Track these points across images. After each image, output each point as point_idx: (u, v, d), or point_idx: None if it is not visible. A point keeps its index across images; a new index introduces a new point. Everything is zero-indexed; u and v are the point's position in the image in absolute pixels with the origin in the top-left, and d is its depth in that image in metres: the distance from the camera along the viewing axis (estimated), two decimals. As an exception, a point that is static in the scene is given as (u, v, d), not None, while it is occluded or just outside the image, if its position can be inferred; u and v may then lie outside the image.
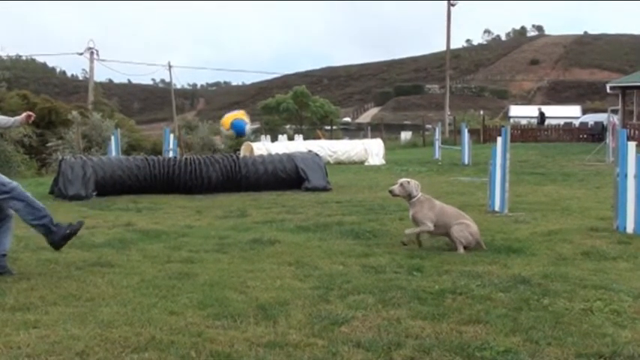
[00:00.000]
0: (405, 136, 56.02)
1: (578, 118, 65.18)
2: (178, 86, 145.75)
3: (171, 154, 23.65)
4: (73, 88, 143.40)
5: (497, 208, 13.77)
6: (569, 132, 50.16)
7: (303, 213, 13.82)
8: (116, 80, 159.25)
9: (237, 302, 6.91)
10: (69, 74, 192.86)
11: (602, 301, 6.95)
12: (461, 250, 9.69)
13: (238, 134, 11.31)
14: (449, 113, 57.57)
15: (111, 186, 17.59)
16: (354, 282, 7.72)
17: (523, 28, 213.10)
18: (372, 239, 10.62)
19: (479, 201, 15.28)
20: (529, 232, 11.12)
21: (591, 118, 52.85)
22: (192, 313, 6.55)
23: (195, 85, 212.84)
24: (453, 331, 6.04)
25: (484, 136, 47.81)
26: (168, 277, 7.97)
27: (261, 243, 10.20)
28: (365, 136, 52.20)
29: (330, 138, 49.10)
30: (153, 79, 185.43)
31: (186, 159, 19.06)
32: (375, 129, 59.93)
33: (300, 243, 10.27)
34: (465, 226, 9.86)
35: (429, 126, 57.13)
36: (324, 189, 18.54)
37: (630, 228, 11.06)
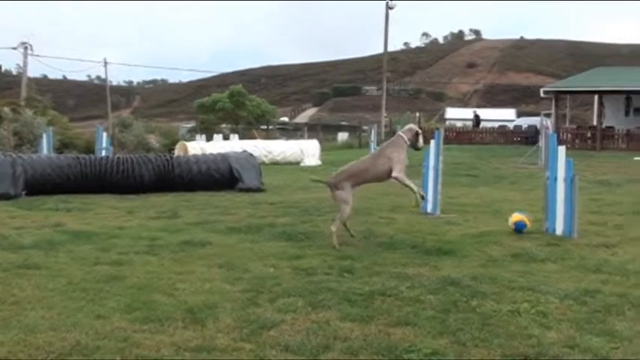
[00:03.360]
0: (342, 137, 56.16)
1: (513, 121, 65.94)
2: (114, 83, 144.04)
3: (104, 153, 23.33)
4: (5, 83, 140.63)
5: (429, 210, 13.86)
6: (503, 135, 50.64)
7: (235, 214, 13.74)
8: (51, 76, 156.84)
9: (166, 305, 6.84)
10: (2, 69, 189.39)
11: (529, 302, 7.03)
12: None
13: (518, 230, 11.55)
14: (385, 115, 57.86)
15: (41, 185, 17.22)
16: (285, 285, 7.70)
17: (461, 32, 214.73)
18: (304, 241, 10.59)
19: (412, 202, 15.31)
20: (460, 234, 11.20)
21: (525, 122, 53.51)
22: (119, 317, 6.48)
23: (131, 82, 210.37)
24: (382, 333, 6.06)
25: (420, 137, 47.97)
26: (96, 280, 7.86)
27: (192, 245, 10.12)
28: (302, 137, 52.26)
29: (267, 138, 49.00)
30: (88, 76, 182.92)
31: (118, 158, 18.81)
32: (312, 129, 60.05)
33: (231, 245, 10.21)
34: None
35: (365, 127, 57.29)
36: (258, 190, 18.45)
37: (559, 230, 11.23)
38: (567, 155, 11.45)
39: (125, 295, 7.21)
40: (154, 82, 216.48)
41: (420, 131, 10.80)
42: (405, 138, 10.64)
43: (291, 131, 66.99)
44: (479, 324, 6.33)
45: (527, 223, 11.49)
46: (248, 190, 18.25)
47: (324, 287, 7.55)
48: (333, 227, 10.10)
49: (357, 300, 7.08)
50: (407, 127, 11.01)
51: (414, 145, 10.83)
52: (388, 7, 56.01)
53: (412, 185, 10.43)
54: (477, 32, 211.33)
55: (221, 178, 18.96)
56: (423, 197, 10.47)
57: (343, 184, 10.29)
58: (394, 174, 10.34)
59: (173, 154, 27.20)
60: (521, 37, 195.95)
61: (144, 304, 6.85)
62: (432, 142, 14.30)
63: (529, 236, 11.01)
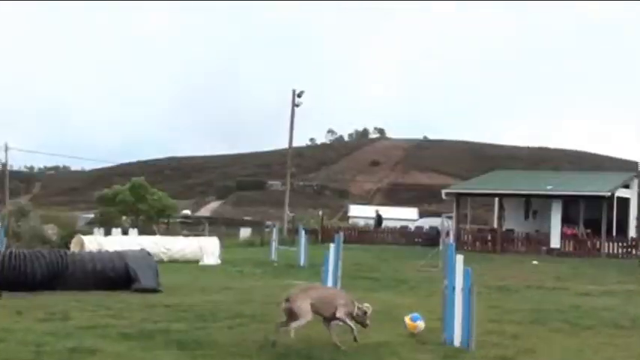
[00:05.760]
0: (244, 233, 55.85)
1: (415, 220, 66.82)
2: (15, 168, 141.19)
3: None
4: None
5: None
6: (405, 235, 51.06)
7: (128, 318, 13.32)
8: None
9: None
10: None
11: None
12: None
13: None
14: (288, 212, 57.98)
15: None
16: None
17: (365, 130, 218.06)
18: (197, 350, 10.26)
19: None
20: (358, 344, 11.00)
21: (427, 222, 54.09)
22: None
23: (32, 167, 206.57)
24: None
25: (322, 236, 48.12)
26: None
27: (80, 352, 9.72)
28: (203, 231, 51.80)
29: (167, 232, 48.44)
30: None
31: (10, 253, 18.26)
32: (214, 224, 59.70)
33: (121, 353, 9.83)
34: None
35: (269, 223, 57.23)
36: (154, 290, 17.98)
37: (457, 341, 11.15)
38: (468, 258, 11.50)
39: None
40: (55, 168, 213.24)
41: (368, 312, 11.09)
42: (355, 308, 10.96)
43: (192, 225, 66.39)
44: None
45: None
46: (144, 290, 17.78)
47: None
48: (292, 334, 10.29)
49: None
50: (365, 305, 11.19)
51: (360, 321, 11.03)
52: (294, 105, 56.56)
53: (353, 325, 10.82)
54: (381, 131, 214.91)
55: (117, 277, 18.46)
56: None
57: (306, 300, 10.58)
58: (338, 314, 10.72)
59: (69, 247, 26.64)
60: (425, 137, 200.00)
61: None
62: (331, 247, 14.25)
63: (426, 347, 10.90)
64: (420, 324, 12.09)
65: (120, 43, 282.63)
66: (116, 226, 43.99)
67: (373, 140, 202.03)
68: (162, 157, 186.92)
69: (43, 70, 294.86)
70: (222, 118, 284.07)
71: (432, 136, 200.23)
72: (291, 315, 10.34)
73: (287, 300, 10.54)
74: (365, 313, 10.95)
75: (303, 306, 10.36)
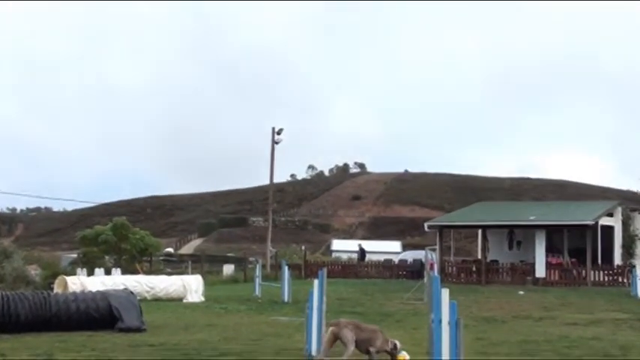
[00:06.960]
0: (228, 269, 55.65)
1: (398, 253, 66.76)
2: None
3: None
4: None
5: (314, 353, 13.56)
6: (388, 268, 50.86)
7: (113, 358, 13.22)
8: None
9: None
10: None
11: None
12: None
13: None
14: (270, 248, 57.95)
15: None
16: None
17: (346, 165, 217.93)
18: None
19: (296, 344, 14.97)
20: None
21: (410, 255, 53.96)
22: None
23: (14, 209, 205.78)
24: None
25: (305, 271, 48.00)
26: None
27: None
28: (186, 268, 51.56)
29: (150, 270, 48.19)
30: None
31: (-7, 295, 18.11)
32: (197, 261, 59.53)
33: (106, 395, 9.72)
34: None
35: (252, 259, 57.08)
36: (138, 330, 17.84)
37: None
38: (453, 290, 11.46)
39: None
40: (37, 210, 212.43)
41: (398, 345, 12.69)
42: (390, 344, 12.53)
43: (175, 263, 66.05)
44: None
45: None
46: (128, 330, 17.67)
47: None
48: None
49: None
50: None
51: (391, 354, 12.56)
52: (274, 142, 56.71)
53: None
54: (361, 165, 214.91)
55: (100, 317, 18.33)
56: None
57: (350, 327, 12.36)
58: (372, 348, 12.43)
59: (53, 288, 26.47)
60: (406, 170, 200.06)
61: None
62: (316, 283, 14.16)
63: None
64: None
65: (100, 85, 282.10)
66: (99, 266, 43.73)
67: (354, 175, 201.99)
68: (144, 195, 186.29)
69: (23, 112, 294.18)
70: (203, 156, 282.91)
71: (413, 169, 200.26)
72: (334, 340, 12.08)
73: (335, 325, 12.29)
74: (395, 345, 12.49)
75: (349, 335, 12.02)
